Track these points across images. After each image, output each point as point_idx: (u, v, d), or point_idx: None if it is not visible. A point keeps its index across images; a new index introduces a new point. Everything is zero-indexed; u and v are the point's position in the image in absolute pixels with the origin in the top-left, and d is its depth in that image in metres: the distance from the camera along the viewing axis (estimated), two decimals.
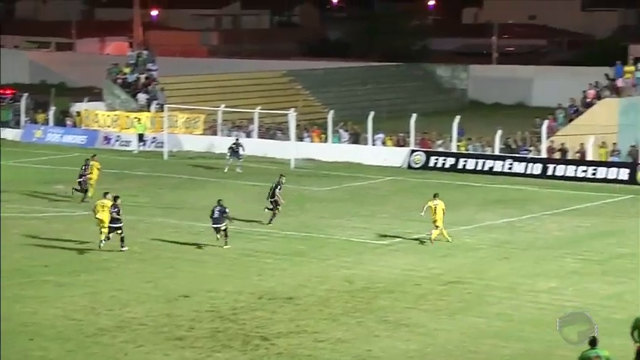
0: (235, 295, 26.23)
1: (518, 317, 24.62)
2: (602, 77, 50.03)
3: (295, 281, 27.65)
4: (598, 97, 49.22)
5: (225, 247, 31.58)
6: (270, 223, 34.90)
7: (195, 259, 30.23)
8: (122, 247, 30.99)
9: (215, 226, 31.83)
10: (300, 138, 51.45)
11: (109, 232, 30.98)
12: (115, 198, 31.54)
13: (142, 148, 52.92)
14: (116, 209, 31.05)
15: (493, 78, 76.42)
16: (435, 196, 32.94)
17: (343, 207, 38.63)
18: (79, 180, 39.14)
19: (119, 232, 30.95)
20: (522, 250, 31.69)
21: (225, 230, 31.75)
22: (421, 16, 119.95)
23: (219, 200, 32.72)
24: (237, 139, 48.27)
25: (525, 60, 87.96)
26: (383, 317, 24.55)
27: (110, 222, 30.87)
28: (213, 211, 32.02)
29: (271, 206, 35.22)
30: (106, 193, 32.21)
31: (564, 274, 28.74)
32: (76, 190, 39.07)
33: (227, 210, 32.09)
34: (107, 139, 54.95)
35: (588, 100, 49.38)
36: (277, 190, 35.30)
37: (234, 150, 47.26)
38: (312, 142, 51.92)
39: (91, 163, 40.01)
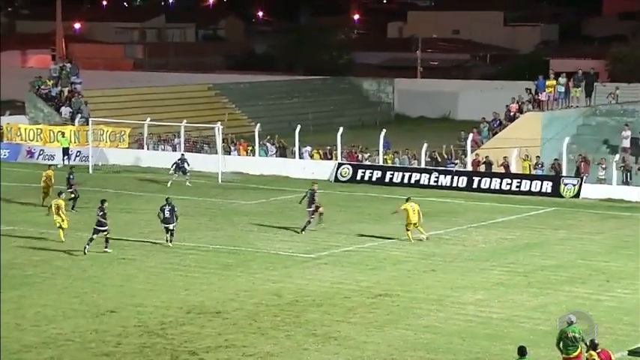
0: (163, 309, 26.08)
1: (445, 329, 24.83)
2: (525, 91, 50.86)
3: (223, 295, 27.59)
4: (520, 110, 50.05)
5: (171, 244, 33.15)
6: (303, 231, 35.54)
7: (122, 274, 30.01)
8: (106, 247, 32.25)
9: (166, 225, 33.24)
10: (227, 151, 51.37)
11: (93, 234, 32.19)
12: (102, 202, 32.79)
13: (66, 162, 52.30)
14: (102, 212, 32.18)
15: (418, 92, 77.23)
16: (408, 200, 34.70)
17: (271, 220, 38.63)
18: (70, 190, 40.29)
19: (105, 233, 32.13)
20: (449, 263, 32.01)
21: (173, 230, 33.15)
22: (347, 30, 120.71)
23: (168, 198, 34.23)
24: (182, 155, 48.08)
25: (450, 74, 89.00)
26: (312, 330, 24.60)
27: (96, 224, 32.28)
28: (162, 211, 33.23)
29: (313, 215, 35.65)
30: (59, 193, 34.91)
31: (490, 285, 29.08)
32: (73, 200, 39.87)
33: (176, 208, 33.41)
34: (30, 153, 54.24)
35: (511, 113, 50.18)
36: (316, 198, 35.78)
37: (179, 165, 47.15)
38: (239, 155, 51.86)
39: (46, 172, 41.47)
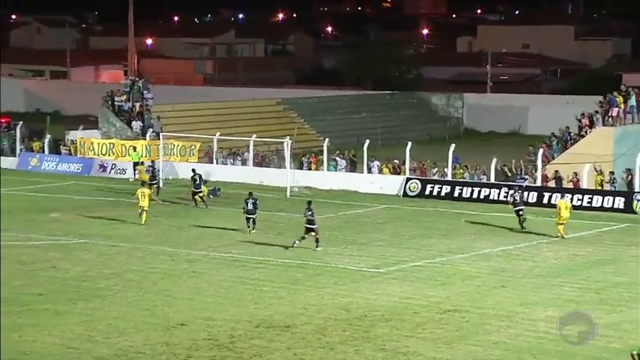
0: (233, 323, 26.18)
1: (516, 346, 24.56)
2: (596, 106, 50.25)
3: (292, 309, 27.61)
4: (592, 125, 49.41)
5: (252, 232, 37.28)
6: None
7: (192, 287, 30.18)
8: (317, 246, 34.94)
9: (248, 216, 37.43)
10: (300, 165, 51.50)
11: (305, 233, 34.93)
12: (309, 202, 35.70)
13: (137, 176, 52.87)
14: (310, 212, 34.88)
15: (487, 106, 76.75)
16: (562, 196, 38.64)
17: (339, 235, 38.62)
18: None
19: (314, 234, 34.89)
20: (519, 279, 31.69)
21: (254, 218, 37.38)
22: (415, 45, 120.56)
23: (251, 193, 38.47)
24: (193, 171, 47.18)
25: (519, 89, 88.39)
26: (380, 346, 24.50)
27: (306, 223, 34.97)
28: (247, 203, 37.55)
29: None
30: (143, 183, 40.73)
31: (561, 302, 28.70)
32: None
33: (258, 202, 37.87)
34: (103, 167, 54.99)
35: (583, 128, 49.57)
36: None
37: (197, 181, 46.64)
38: (309, 169, 51.99)
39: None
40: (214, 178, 51.71)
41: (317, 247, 35.06)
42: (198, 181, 44.76)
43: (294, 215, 43.19)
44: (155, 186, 46.13)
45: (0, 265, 31.48)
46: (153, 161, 49.72)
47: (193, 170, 45.99)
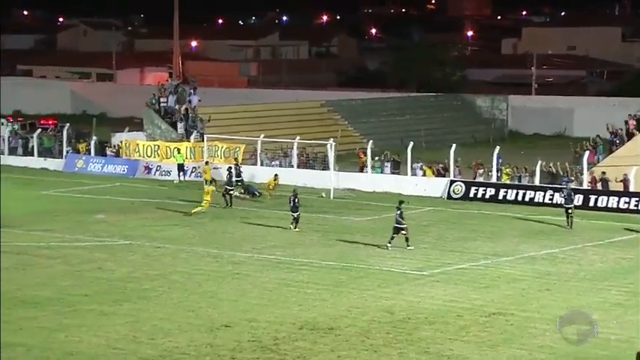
0: (276, 325, 26.23)
1: (561, 350, 24.39)
2: None
3: (336, 312, 27.61)
4: (639, 127, 48.83)
5: (295, 230, 38.54)
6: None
7: (236, 289, 30.29)
8: (408, 246, 35.67)
9: (292, 214, 38.61)
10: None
11: (393, 233, 35.91)
12: (400, 202, 36.53)
13: (182, 178, 53.21)
14: (400, 212, 35.75)
15: (533, 108, 76.22)
16: None
17: (383, 237, 38.53)
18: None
19: (404, 232, 35.62)
20: (564, 282, 31.46)
21: (298, 217, 38.84)
22: (460, 47, 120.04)
23: (295, 190, 39.57)
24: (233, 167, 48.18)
25: (565, 91, 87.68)
26: (424, 348, 24.45)
27: (396, 223, 35.88)
28: (291, 200, 38.86)
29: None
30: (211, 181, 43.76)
31: (608, 306, 28.49)
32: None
33: (297, 200, 39.10)
34: (148, 168, 55.34)
35: (630, 130, 49.04)
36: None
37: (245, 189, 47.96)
38: (352, 171, 51.97)
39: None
40: (259, 179, 51.84)
41: (407, 245, 35.65)
42: (230, 177, 44.99)
43: (338, 217, 43.21)
44: (240, 185, 48.08)
45: (0, 264, 31.63)
46: (237, 163, 49.84)
47: (230, 168, 46.34)
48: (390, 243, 35.80)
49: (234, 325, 26.13)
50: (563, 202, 41.80)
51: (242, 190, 47.95)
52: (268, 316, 27.08)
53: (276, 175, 47.82)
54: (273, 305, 28.26)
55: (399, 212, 35.93)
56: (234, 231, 39.64)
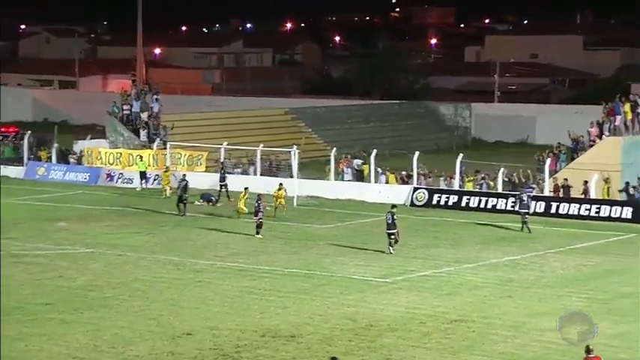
0: (238, 332, 26.16)
1: (522, 356, 24.52)
2: (602, 113, 50.02)
3: (298, 319, 27.60)
4: (600, 135, 49.23)
5: (258, 237, 38.88)
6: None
7: (197, 296, 30.17)
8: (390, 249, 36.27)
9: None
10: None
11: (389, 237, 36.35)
12: (393, 206, 36.99)
13: (144, 186, 52.97)
14: (391, 216, 36.14)
15: (495, 116, 76.67)
16: None
17: (346, 244, 38.57)
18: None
19: (393, 237, 36.00)
20: (526, 289, 31.61)
21: (258, 222, 39.23)
22: (423, 55, 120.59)
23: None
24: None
25: (528, 98, 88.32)
26: (387, 356, 24.47)
27: (387, 229, 36.40)
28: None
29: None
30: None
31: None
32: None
33: (260, 203, 39.31)
34: (110, 176, 55.05)
35: (591, 138, 49.40)
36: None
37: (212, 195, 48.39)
38: (316, 179, 52.01)
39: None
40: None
41: (391, 248, 36.28)
42: (185, 186, 45.16)
43: (301, 225, 43.18)
44: (224, 189, 48.99)
45: (0, 271, 31.40)
46: (222, 168, 50.60)
47: (184, 176, 46.22)
48: (391, 247, 36.34)
49: (196, 333, 26.03)
50: (517, 209, 42.22)
51: (200, 199, 48.01)
52: (230, 323, 27.00)
53: (280, 184, 45.59)
54: (235, 313, 28.18)
55: (390, 217, 36.28)
56: (197, 238, 39.52)
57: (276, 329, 26.55)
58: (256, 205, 39.97)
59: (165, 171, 50.61)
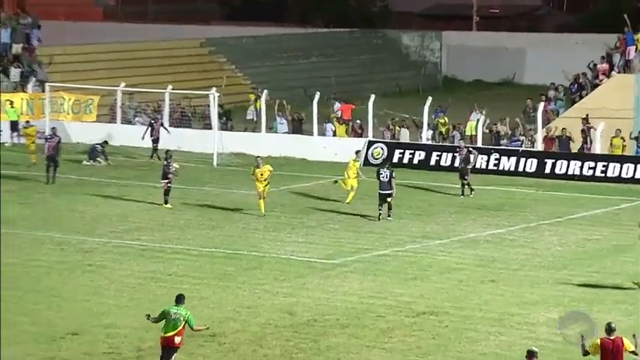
0: (141, 332, 26.02)
1: (509, 358, 24.72)
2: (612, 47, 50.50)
3: (220, 313, 27.58)
4: (609, 72, 49.52)
5: (166, 206, 38.98)
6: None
7: (87, 285, 30.00)
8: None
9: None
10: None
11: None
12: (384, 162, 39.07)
13: (15, 140, 52.49)
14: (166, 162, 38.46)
15: (473, 48, 77.08)
16: None
17: (282, 216, 38.57)
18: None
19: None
20: (514, 271, 31.85)
21: (166, 188, 39.15)
22: None
23: (168, 152, 40.09)
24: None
25: (515, 25, 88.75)
26: (335, 359, 24.51)
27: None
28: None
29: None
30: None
31: (568, 301, 28.87)
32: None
33: (172, 164, 39.29)
34: None
35: (599, 77, 49.66)
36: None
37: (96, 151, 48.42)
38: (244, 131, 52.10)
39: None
40: (118, 142, 51.37)
41: (388, 216, 37.70)
42: (57, 144, 44.69)
43: (223, 190, 43.05)
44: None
45: (0, 262, 31.10)
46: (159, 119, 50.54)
47: (53, 130, 45.85)
48: (384, 212, 37.56)
49: (85, 333, 25.89)
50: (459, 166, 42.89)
51: (88, 158, 47.88)
52: (130, 320, 26.86)
53: (257, 158, 40.98)
54: (137, 306, 28.02)
55: (384, 174, 37.20)
56: (86, 209, 39.31)
57: None
58: (164, 164, 39.71)
59: (27, 127, 49.40)
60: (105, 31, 79.68)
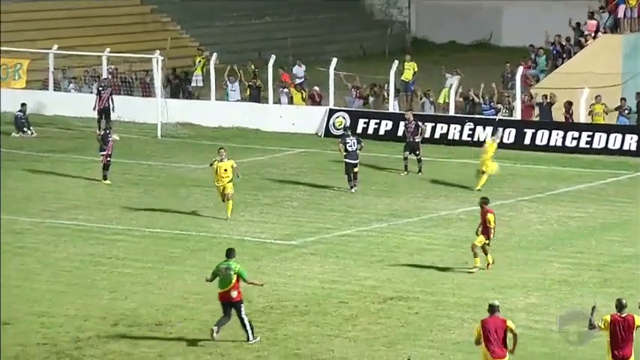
0: (79, 320, 26.14)
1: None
2: (597, 5, 50.63)
3: (166, 300, 27.66)
4: (596, 32, 49.60)
5: (106, 182, 39.02)
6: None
7: (19, 269, 30.02)
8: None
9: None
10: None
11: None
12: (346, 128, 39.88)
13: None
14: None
15: (445, 7, 76.95)
16: None
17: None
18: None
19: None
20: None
21: (105, 163, 39.08)
22: None
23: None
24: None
25: None
26: (293, 350, 24.67)
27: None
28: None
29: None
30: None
31: (549, 284, 29.12)
32: None
33: (111, 135, 39.45)
34: None
35: (584, 37, 49.69)
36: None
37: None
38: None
39: None
40: (51, 112, 51.21)
41: (352, 187, 38.61)
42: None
43: (168, 164, 43.04)
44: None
45: (0, 256, 31.05)
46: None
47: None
48: (352, 183, 38.58)
49: (17, 322, 25.93)
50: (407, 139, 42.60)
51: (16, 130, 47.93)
52: (67, 308, 26.97)
53: (220, 150, 38.40)
54: (74, 292, 28.14)
55: (351, 142, 38.31)
56: (16, 185, 39.27)
57: (133, 315, 26.58)
58: (100, 135, 39.66)
59: None
60: None
